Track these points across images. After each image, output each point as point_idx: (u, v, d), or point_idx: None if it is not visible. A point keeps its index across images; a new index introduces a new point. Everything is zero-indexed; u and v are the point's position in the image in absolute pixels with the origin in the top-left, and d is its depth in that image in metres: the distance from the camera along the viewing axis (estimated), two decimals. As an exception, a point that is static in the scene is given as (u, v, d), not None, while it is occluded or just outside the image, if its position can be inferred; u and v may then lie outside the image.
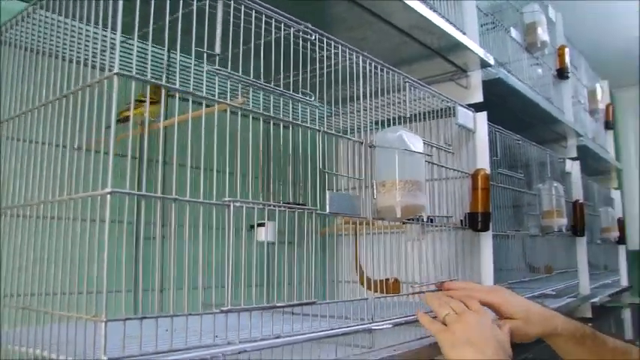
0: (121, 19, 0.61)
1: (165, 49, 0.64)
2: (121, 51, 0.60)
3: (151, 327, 0.61)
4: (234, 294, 0.69)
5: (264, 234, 1.18)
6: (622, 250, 3.17)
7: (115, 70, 0.58)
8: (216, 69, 0.68)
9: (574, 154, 2.40)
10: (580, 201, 2.15)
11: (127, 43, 0.70)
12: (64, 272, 0.63)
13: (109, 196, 0.57)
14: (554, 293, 1.83)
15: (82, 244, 0.61)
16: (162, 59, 0.93)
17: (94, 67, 0.93)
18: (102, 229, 0.57)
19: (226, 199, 0.68)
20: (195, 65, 0.67)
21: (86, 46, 0.81)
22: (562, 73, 2.25)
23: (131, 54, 0.60)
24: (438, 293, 1.07)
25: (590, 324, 2.11)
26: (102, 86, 0.61)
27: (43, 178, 0.72)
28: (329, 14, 1.15)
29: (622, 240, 3.04)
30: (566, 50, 2.26)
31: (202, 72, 0.72)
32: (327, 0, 1.08)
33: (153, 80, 0.61)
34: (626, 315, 3.22)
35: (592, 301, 2.30)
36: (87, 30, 0.74)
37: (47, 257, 0.68)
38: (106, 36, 0.71)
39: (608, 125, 3.26)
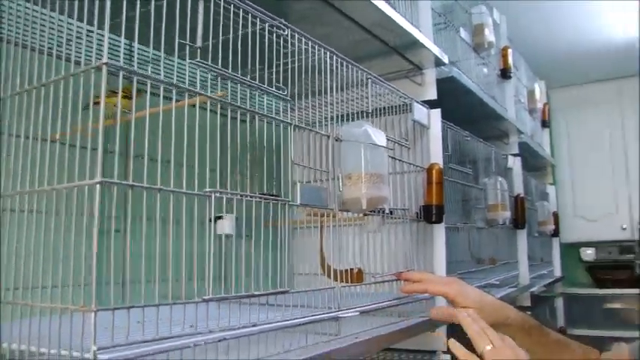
0: (98, 10, 0.61)
1: (150, 42, 0.64)
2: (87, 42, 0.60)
3: (123, 318, 0.61)
4: (199, 285, 0.70)
5: (224, 227, 1.20)
6: (556, 243, 3.34)
7: (104, 60, 0.58)
8: (199, 62, 0.68)
9: (515, 151, 2.51)
10: (521, 195, 2.25)
11: (98, 33, 0.70)
12: (46, 265, 0.63)
13: (98, 186, 0.57)
14: (498, 283, 1.91)
15: (67, 237, 0.61)
16: (133, 51, 0.92)
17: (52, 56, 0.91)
18: (91, 221, 0.57)
19: (207, 189, 0.69)
20: (169, 58, 0.68)
21: (47, 34, 0.80)
22: (505, 73, 2.34)
23: (97, 45, 0.60)
24: (475, 318, 1.09)
25: (529, 312, 2.22)
26: (88, 75, 0.61)
27: (18, 171, 0.71)
28: (293, 10, 1.16)
29: (556, 233, 3.20)
30: (510, 51, 2.36)
31: (175, 64, 0.72)
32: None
33: (140, 71, 0.61)
34: (559, 303, 3.39)
35: (531, 290, 2.42)
36: (49, 16, 0.73)
37: (26, 250, 0.67)
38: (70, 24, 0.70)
39: (545, 124, 3.42)
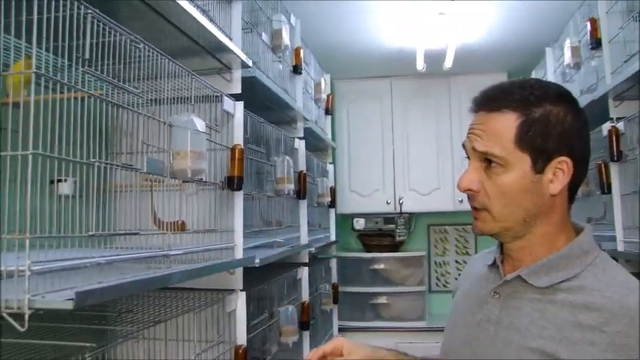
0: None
1: (54, 50, 0.91)
2: None
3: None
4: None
5: (64, 188, 1.47)
6: (332, 213, 3.95)
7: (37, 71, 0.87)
8: (87, 70, 0.99)
9: (301, 134, 2.97)
10: (304, 171, 2.75)
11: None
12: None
13: None
14: (282, 241, 2.38)
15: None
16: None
17: None
18: None
19: (92, 159, 1.00)
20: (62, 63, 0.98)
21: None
22: (297, 69, 2.81)
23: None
24: None
25: (307, 267, 2.73)
26: None
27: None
28: (131, 15, 1.45)
29: (333, 204, 3.81)
30: (301, 51, 2.83)
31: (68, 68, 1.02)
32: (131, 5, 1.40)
33: (47, 75, 0.91)
34: (333, 264, 4.02)
35: (309, 250, 2.94)
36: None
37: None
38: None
39: (328, 111, 3.99)
